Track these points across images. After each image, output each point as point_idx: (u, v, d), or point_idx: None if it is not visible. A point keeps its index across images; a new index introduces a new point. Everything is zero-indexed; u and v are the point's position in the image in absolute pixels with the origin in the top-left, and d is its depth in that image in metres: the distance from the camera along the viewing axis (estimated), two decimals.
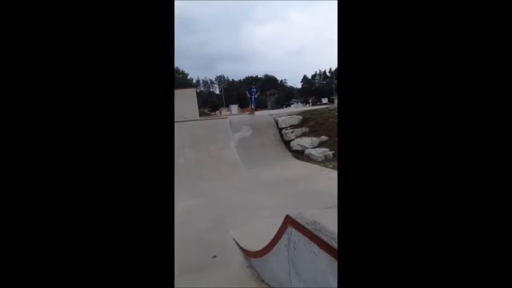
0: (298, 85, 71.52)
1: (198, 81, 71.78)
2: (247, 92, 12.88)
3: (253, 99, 12.52)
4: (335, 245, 1.77)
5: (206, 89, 75.62)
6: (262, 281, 2.82)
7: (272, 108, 37.90)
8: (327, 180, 6.62)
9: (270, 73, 78.14)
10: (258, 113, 20.23)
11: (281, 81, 75.76)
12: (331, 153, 9.13)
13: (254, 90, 12.70)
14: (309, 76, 70.54)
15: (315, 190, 5.88)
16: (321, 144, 9.98)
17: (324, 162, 8.67)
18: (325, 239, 1.87)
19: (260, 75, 74.09)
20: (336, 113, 11.77)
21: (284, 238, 2.41)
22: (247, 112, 12.63)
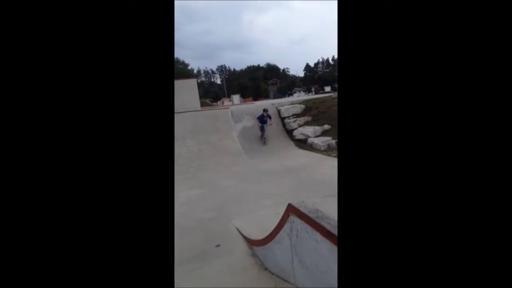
0: (301, 73, 70.89)
1: (199, 71, 71.39)
2: (257, 120, 10.22)
3: (264, 128, 10.13)
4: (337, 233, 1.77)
5: (207, 79, 75.21)
6: (266, 269, 2.84)
7: (275, 98, 37.74)
8: (330, 168, 6.60)
9: (272, 62, 77.56)
10: (260, 102, 20.12)
11: (284, 69, 75.20)
12: (333, 142, 9.09)
13: (266, 118, 10.19)
14: (312, 65, 69.83)
15: (317, 178, 5.87)
16: (323, 133, 9.94)
17: (327, 151, 8.65)
18: (327, 227, 1.86)
19: (262, 64, 73.63)
20: None
21: (286, 226, 2.41)
22: (259, 129, 10.17)
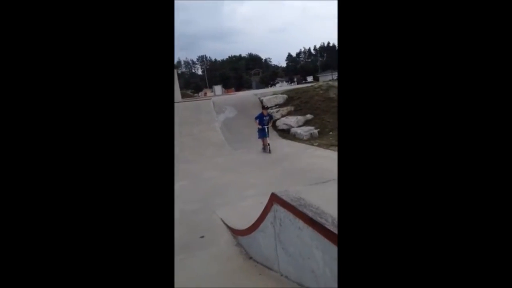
0: (283, 63, 70.84)
1: (179, 62, 69.96)
2: (256, 121, 7.91)
3: (266, 129, 7.82)
4: (319, 220, 1.80)
5: (188, 70, 73.87)
6: (250, 258, 2.86)
7: (257, 88, 37.62)
8: (313, 157, 6.69)
9: (254, 52, 77.02)
10: (243, 93, 19.98)
11: (266, 60, 74.90)
12: (316, 131, 9.20)
13: (267, 118, 7.98)
14: (294, 54, 69.80)
15: (301, 168, 5.94)
16: (306, 123, 10.03)
17: (310, 140, 8.74)
18: (310, 214, 1.89)
19: (244, 54, 72.95)
20: (321, 91, 11.77)
21: (270, 215, 2.43)
22: (258, 134, 8.00)
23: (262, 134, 7.88)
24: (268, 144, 7.69)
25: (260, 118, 7.91)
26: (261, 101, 11.28)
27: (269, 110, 10.79)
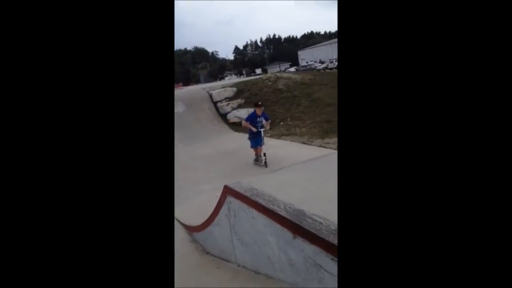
0: (231, 56, 70.47)
1: None
2: (247, 123, 5.77)
3: (261, 133, 5.66)
4: (272, 207, 1.84)
5: None
6: (207, 252, 2.84)
7: (206, 82, 36.95)
8: (266, 148, 6.81)
9: (200, 45, 75.35)
10: (191, 87, 19.38)
11: (212, 53, 73.74)
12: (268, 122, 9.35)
13: (261, 119, 5.71)
14: (241, 47, 69.77)
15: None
16: None
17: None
18: (262, 202, 1.92)
19: (190, 47, 70.98)
20: (270, 83, 11.96)
21: (224, 208, 2.42)
22: (251, 141, 5.87)
23: (256, 141, 5.70)
24: (264, 154, 5.61)
25: (252, 120, 5.68)
26: (210, 95, 11.12)
27: (219, 104, 10.66)
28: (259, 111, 5.73)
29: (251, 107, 10.37)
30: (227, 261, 2.53)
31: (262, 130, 5.68)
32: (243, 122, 6.15)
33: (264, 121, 5.72)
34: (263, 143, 5.71)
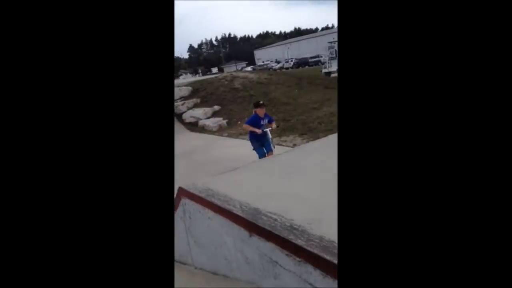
0: (185, 55, 68.87)
1: None
2: (248, 126, 4.68)
3: (268, 135, 4.74)
4: (227, 207, 1.83)
5: None
6: None
7: None
8: (223, 148, 6.78)
9: None
10: None
11: None
12: (225, 122, 9.31)
13: (264, 121, 4.75)
14: (196, 46, 68.55)
15: (212, 159, 5.96)
16: (214, 114, 10.05)
17: (219, 131, 8.81)
18: (218, 202, 1.90)
19: None
20: (226, 82, 11.91)
21: (179, 210, 2.36)
22: (253, 146, 4.81)
23: (263, 149, 4.71)
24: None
25: (253, 123, 4.67)
26: None
27: (175, 104, 10.37)
28: (261, 112, 4.66)
29: (207, 106, 10.24)
30: (184, 263, 2.46)
31: (268, 130, 4.67)
32: (244, 126, 5.12)
33: (268, 123, 4.78)
34: (274, 147, 4.66)
